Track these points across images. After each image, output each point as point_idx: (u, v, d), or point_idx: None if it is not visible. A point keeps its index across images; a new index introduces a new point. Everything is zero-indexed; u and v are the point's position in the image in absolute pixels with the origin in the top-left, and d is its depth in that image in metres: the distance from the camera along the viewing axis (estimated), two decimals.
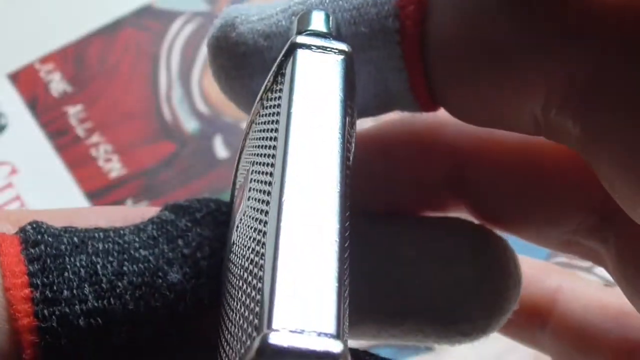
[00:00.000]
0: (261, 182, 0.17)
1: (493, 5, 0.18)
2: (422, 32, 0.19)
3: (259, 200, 0.17)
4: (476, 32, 0.18)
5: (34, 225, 0.19)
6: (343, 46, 0.18)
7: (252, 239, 0.17)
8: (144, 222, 0.20)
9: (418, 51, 0.19)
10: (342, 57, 0.18)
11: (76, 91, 0.49)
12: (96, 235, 0.19)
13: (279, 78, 0.19)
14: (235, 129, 0.48)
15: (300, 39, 0.18)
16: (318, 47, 0.18)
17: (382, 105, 0.21)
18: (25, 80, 0.50)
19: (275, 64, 0.19)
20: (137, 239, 0.19)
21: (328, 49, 0.18)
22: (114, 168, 0.47)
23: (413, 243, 0.22)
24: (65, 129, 0.48)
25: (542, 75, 0.17)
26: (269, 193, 0.16)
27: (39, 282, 0.18)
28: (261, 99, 0.19)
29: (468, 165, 0.23)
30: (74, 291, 0.18)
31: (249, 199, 0.18)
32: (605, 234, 0.21)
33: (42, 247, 0.18)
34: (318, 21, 0.19)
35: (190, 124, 0.49)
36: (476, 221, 0.23)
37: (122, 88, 0.50)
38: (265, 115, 0.19)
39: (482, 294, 0.22)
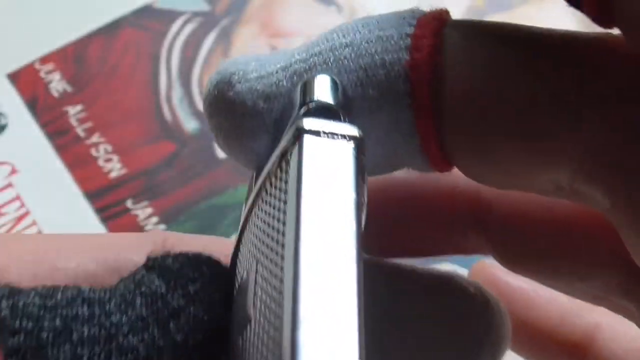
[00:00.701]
0: (270, 279, 0.16)
1: (514, 65, 0.17)
2: (434, 94, 0.18)
3: (269, 295, 0.16)
4: (496, 94, 0.17)
5: (11, 303, 0.17)
6: (353, 131, 0.17)
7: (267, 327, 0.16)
8: (130, 289, 0.18)
9: (430, 115, 0.18)
10: (353, 145, 0.17)
11: (76, 91, 0.49)
12: (80, 313, 0.17)
13: (284, 164, 0.17)
14: None
15: (307, 124, 0.17)
16: (326, 133, 0.17)
17: (391, 165, 0.20)
18: (25, 80, 0.50)
19: (280, 148, 0.17)
20: (124, 319, 0.17)
21: (337, 135, 0.17)
22: (114, 168, 0.47)
23: (411, 301, 0.22)
24: (65, 129, 0.48)
25: (570, 143, 0.16)
26: (279, 293, 0.15)
27: None
28: (264, 183, 0.18)
29: (493, 210, 0.22)
30: None
31: (255, 296, 0.17)
32: (634, 294, 0.20)
33: (22, 336, 0.16)
34: (323, 89, 0.18)
35: (190, 124, 0.49)
36: (499, 265, 0.22)
37: (122, 88, 0.50)
38: (270, 204, 0.18)
39: (474, 356, 0.21)
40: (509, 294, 0.26)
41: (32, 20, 0.52)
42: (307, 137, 0.17)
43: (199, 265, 0.19)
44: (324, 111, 0.18)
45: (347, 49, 0.19)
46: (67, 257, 0.19)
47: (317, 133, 0.17)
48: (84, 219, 0.45)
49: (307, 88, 0.18)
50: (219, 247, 0.21)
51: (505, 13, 0.53)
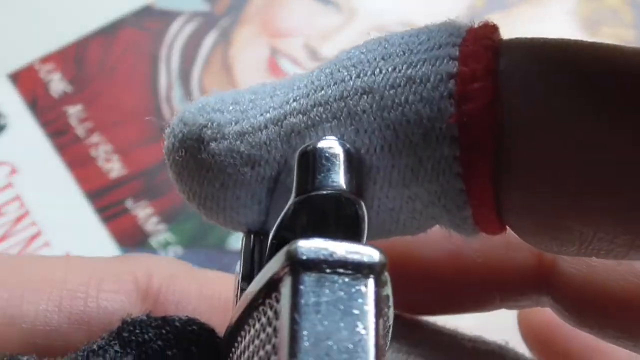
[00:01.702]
0: None
1: (608, 116, 0.13)
2: (495, 158, 0.13)
3: None
4: (584, 162, 0.13)
5: None
6: (374, 255, 0.12)
7: None
8: None
9: (490, 184, 0.13)
10: (372, 283, 0.12)
11: (76, 91, 0.49)
12: None
13: (272, 298, 0.13)
14: None
15: (304, 251, 0.12)
16: (332, 266, 0.12)
17: (422, 230, 0.15)
18: (25, 80, 0.50)
19: (267, 275, 0.13)
20: None
21: (349, 267, 0.12)
22: (114, 168, 0.47)
23: None
24: (65, 129, 0.48)
25: None
26: None
27: None
28: (247, 310, 0.14)
29: (557, 270, 0.18)
30: None
31: None
32: None
33: None
34: (331, 165, 0.13)
35: None
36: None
37: (122, 88, 0.50)
38: (257, 336, 0.14)
39: None
40: (570, 349, 0.21)
41: (32, 20, 0.52)
42: (305, 279, 0.12)
43: (188, 346, 0.15)
44: (331, 205, 0.13)
45: (364, 97, 0.14)
46: (28, 302, 0.16)
47: (318, 268, 0.12)
48: (84, 219, 0.45)
49: (306, 163, 0.14)
50: (217, 287, 0.18)
51: (504, 12, 0.53)
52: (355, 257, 0.12)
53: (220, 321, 0.16)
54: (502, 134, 0.13)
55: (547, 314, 0.20)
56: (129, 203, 0.46)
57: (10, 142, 0.48)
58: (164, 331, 0.15)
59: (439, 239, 0.18)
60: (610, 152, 0.13)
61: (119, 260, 0.18)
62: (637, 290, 0.17)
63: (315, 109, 0.14)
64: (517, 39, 0.14)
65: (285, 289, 0.12)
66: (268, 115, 0.14)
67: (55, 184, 0.46)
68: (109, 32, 0.52)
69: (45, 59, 0.50)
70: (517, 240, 0.16)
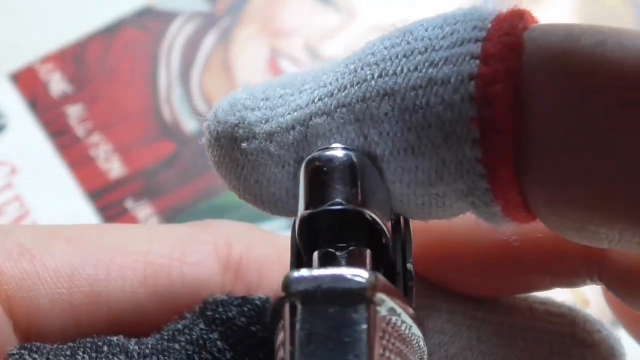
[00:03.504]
0: None
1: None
2: (518, 159, 0.13)
3: None
4: (616, 167, 0.13)
5: None
6: (362, 279, 0.12)
7: None
8: (189, 353, 0.15)
9: (515, 182, 0.13)
10: (362, 306, 0.12)
11: (76, 91, 0.49)
12: None
13: (278, 327, 0.14)
14: None
15: (295, 285, 0.12)
16: (324, 295, 0.12)
17: (457, 216, 0.15)
18: (25, 80, 0.50)
19: (276, 299, 0.13)
20: None
21: (339, 295, 0.12)
22: (114, 168, 0.47)
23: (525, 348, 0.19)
24: (65, 129, 0.48)
25: None
26: None
27: None
28: (271, 325, 0.14)
29: (605, 250, 0.18)
30: None
31: None
32: None
33: None
34: (332, 177, 0.13)
35: (190, 124, 0.48)
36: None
37: (122, 88, 0.50)
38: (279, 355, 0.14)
39: None
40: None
41: (32, 20, 0.52)
42: (299, 311, 0.12)
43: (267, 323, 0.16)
44: (339, 217, 0.14)
45: (386, 99, 0.13)
46: (114, 279, 0.16)
47: (312, 299, 0.12)
48: (84, 219, 0.45)
49: (313, 176, 0.14)
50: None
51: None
52: (344, 284, 0.12)
53: None
54: (523, 136, 0.13)
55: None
56: (129, 203, 0.46)
57: (10, 142, 0.48)
58: (245, 309, 0.16)
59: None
60: (632, 163, 0.13)
61: (199, 229, 0.18)
62: None
63: (338, 110, 0.14)
64: (542, 28, 0.14)
65: (285, 318, 0.13)
66: (296, 114, 0.15)
67: (55, 184, 0.46)
68: (109, 32, 0.52)
69: (45, 59, 0.50)
70: None
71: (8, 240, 0.17)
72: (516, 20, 0.14)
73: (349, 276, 0.12)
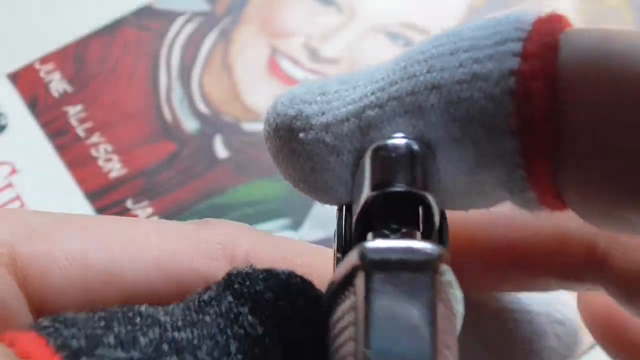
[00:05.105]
0: None
1: None
2: (554, 151, 0.14)
3: None
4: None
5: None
6: (431, 250, 0.14)
7: None
8: (221, 327, 0.15)
9: (550, 174, 0.14)
10: (429, 273, 0.14)
11: (76, 91, 0.49)
12: None
13: (348, 291, 0.15)
14: (235, 129, 0.48)
15: (371, 254, 0.14)
16: (396, 263, 0.14)
17: (492, 205, 0.17)
18: (25, 80, 0.50)
19: (348, 264, 0.15)
20: None
21: (410, 263, 0.14)
22: (114, 168, 0.47)
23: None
24: (65, 129, 0.48)
25: None
26: None
27: None
28: (340, 284, 0.15)
29: (608, 259, 0.18)
30: None
31: None
32: None
33: None
34: (397, 162, 0.15)
35: (190, 124, 0.48)
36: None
37: (122, 88, 0.50)
38: (344, 321, 0.15)
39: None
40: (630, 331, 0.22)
41: (32, 20, 0.52)
42: (374, 277, 0.14)
43: (295, 297, 0.16)
44: (403, 200, 0.15)
45: (433, 92, 0.15)
46: (121, 264, 0.17)
47: (385, 266, 0.14)
48: None
49: (379, 160, 0.15)
50: (299, 255, 0.18)
51: (505, 11, 0.53)
52: (415, 254, 0.14)
53: None
54: (560, 132, 0.14)
55: (607, 298, 0.20)
56: (129, 203, 0.46)
57: (10, 142, 0.48)
58: (271, 283, 0.16)
59: (501, 227, 0.19)
60: None
61: (204, 227, 0.19)
62: None
63: (389, 103, 0.15)
64: (579, 32, 0.14)
65: (358, 285, 0.14)
66: (350, 107, 0.16)
67: (55, 184, 0.46)
68: (109, 32, 0.52)
69: (45, 59, 0.50)
70: (569, 231, 0.18)
71: (22, 223, 0.17)
72: (554, 23, 0.15)
73: (419, 247, 0.14)
